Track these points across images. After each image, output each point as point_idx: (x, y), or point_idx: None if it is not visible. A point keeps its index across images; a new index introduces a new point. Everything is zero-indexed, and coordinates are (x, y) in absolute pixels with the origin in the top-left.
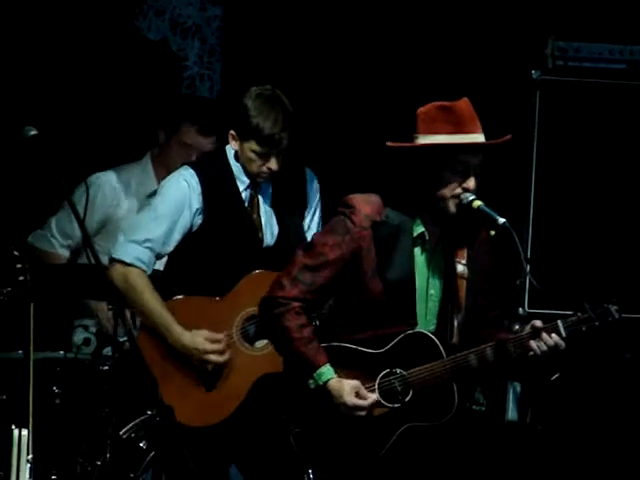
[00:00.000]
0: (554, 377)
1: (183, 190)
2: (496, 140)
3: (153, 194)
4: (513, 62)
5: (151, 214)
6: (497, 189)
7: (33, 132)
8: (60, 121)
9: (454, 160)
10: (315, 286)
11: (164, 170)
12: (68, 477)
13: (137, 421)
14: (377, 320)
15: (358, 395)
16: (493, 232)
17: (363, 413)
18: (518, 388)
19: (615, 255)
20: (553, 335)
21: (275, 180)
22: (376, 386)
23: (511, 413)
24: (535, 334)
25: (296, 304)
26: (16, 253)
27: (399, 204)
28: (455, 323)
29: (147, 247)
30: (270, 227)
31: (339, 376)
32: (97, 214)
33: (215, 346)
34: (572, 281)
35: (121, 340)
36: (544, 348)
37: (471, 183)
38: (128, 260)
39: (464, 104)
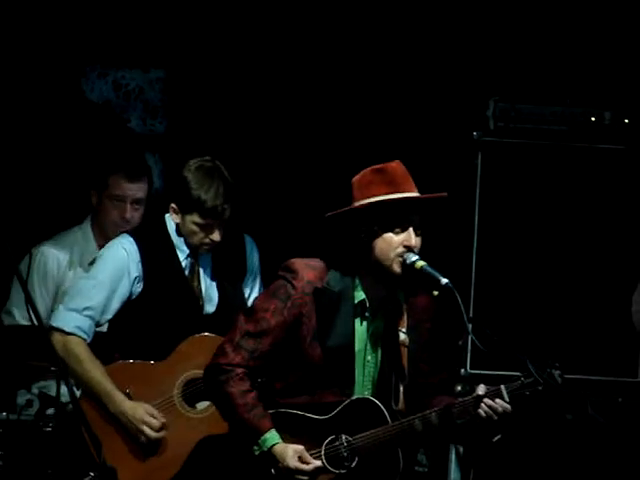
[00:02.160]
0: (496, 438)
1: (122, 258)
2: (429, 195)
3: (94, 262)
4: (455, 123)
5: (90, 282)
6: (440, 250)
7: None
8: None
9: (392, 218)
10: (258, 353)
11: (102, 232)
12: None
13: None
14: (315, 385)
15: (301, 459)
16: (436, 292)
17: (306, 478)
18: (460, 449)
19: (556, 316)
20: (497, 400)
21: (215, 248)
22: (322, 452)
23: (453, 474)
24: (479, 399)
25: (239, 370)
26: None
27: (341, 269)
28: (400, 389)
29: (87, 315)
30: (211, 295)
31: (284, 442)
32: (49, 286)
33: (153, 421)
34: (514, 342)
35: (64, 402)
36: (489, 413)
37: (412, 241)
38: (67, 329)
39: (396, 164)
